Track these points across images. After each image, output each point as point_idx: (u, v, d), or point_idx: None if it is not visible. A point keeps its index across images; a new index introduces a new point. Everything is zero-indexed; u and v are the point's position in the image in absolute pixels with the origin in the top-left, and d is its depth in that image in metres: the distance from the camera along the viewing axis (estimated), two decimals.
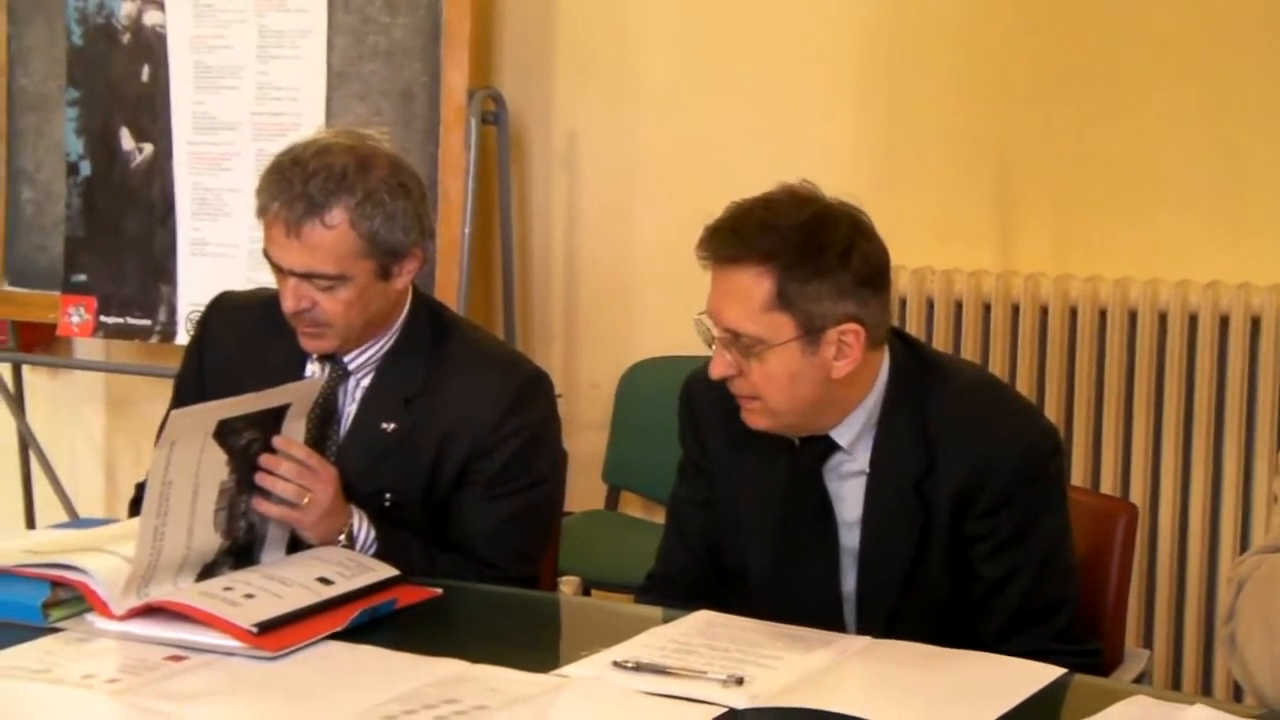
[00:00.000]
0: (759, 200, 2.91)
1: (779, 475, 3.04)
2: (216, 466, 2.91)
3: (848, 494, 3.01)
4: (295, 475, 3.02)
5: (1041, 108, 4.84)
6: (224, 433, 2.91)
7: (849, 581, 3.02)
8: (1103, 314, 4.68)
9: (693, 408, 3.19)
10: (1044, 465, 2.99)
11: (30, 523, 5.88)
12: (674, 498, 3.26)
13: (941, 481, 2.94)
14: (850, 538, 3.01)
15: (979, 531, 2.95)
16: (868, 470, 2.99)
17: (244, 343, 3.38)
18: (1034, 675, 2.58)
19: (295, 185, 3.13)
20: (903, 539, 2.97)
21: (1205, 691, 4.56)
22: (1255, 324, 4.54)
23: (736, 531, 3.10)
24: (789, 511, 3.03)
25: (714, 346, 2.89)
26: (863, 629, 2.94)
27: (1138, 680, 3.15)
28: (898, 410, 2.98)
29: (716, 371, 2.87)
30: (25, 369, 6.02)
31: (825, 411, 2.94)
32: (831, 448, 2.99)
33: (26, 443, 5.97)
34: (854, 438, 2.98)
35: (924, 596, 2.97)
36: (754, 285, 2.83)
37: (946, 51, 4.93)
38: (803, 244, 2.84)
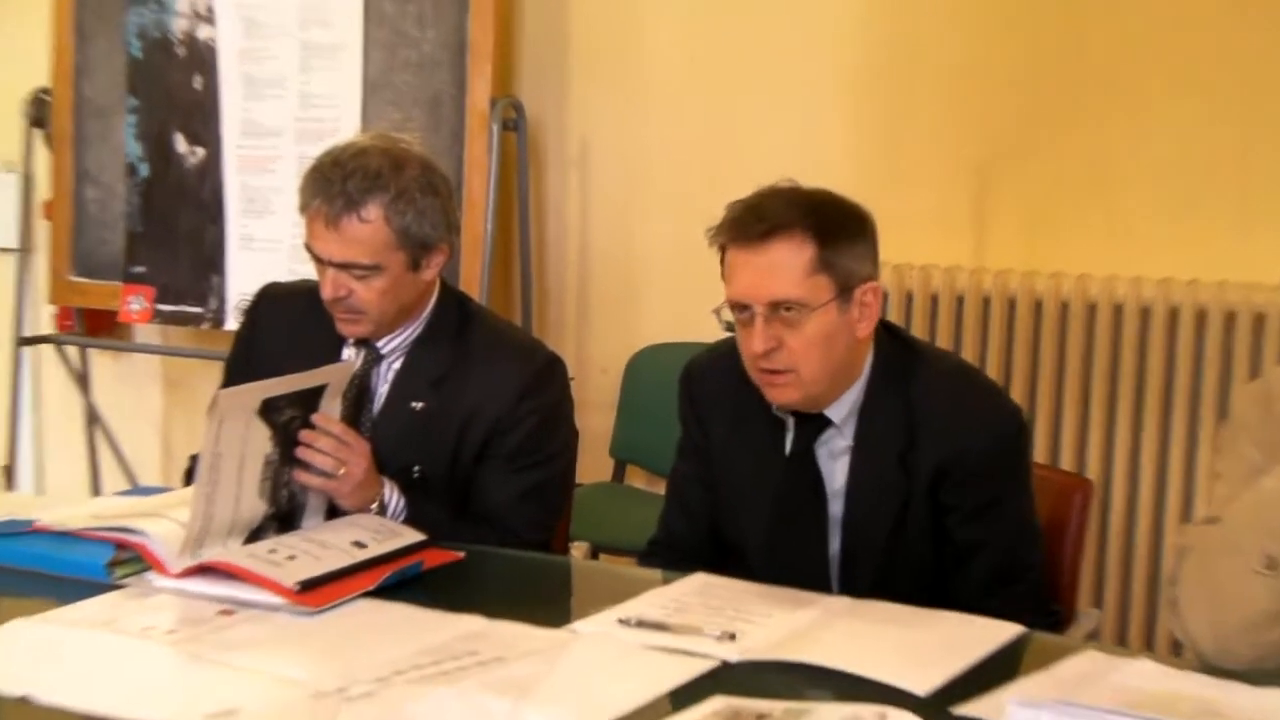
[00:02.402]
0: (765, 190, 2.94)
1: (776, 452, 3.05)
2: (261, 440, 2.92)
3: (834, 469, 3.03)
4: (332, 449, 3.04)
5: (1015, 119, 4.84)
6: (267, 410, 2.92)
7: (835, 546, 3.03)
8: (1064, 307, 4.69)
9: (693, 391, 3.21)
10: (1011, 443, 3.02)
11: (96, 490, 5.89)
12: (674, 471, 3.28)
13: (921, 457, 2.96)
14: (836, 507, 3.03)
15: (953, 502, 2.97)
16: (853, 444, 3.01)
17: (287, 328, 3.39)
18: (998, 632, 2.59)
19: (334, 184, 3.14)
20: (885, 508, 2.98)
21: (1149, 647, 4.56)
22: (1202, 317, 4.54)
23: (734, 503, 3.12)
24: (785, 483, 3.04)
25: (755, 323, 2.86)
26: (847, 591, 2.95)
27: (1089, 637, 3.17)
28: (883, 392, 3.00)
29: (760, 346, 2.85)
30: (91, 352, 6.03)
31: (838, 381, 2.96)
32: (824, 425, 3.01)
33: (92, 418, 5.99)
34: (845, 415, 3.00)
35: (903, 561, 2.99)
36: (796, 253, 2.85)
37: (931, 70, 4.94)
38: (831, 212, 2.90)
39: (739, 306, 2.91)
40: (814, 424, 3.02)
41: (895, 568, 2.98)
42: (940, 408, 2.98)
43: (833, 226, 2.88)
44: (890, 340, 3.06)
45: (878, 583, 2.92)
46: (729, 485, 3.14)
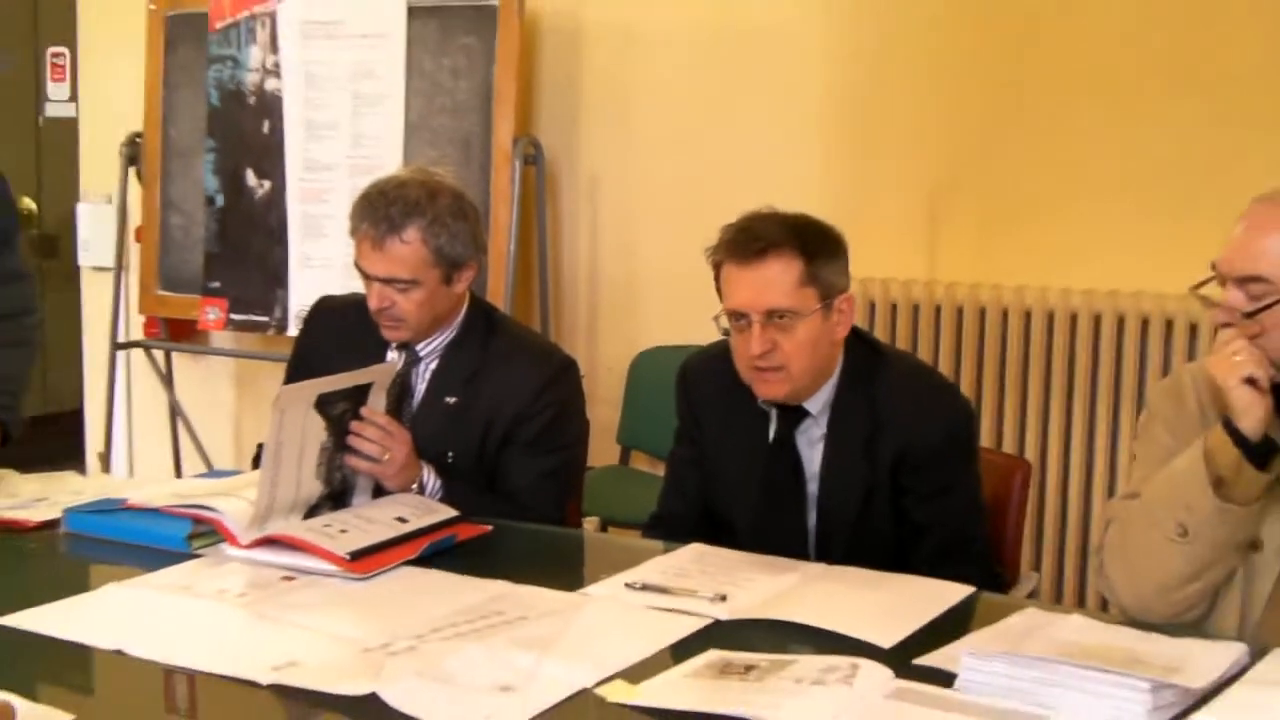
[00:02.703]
0: (753, 215, 2.95)
1: (761, 439, 3.04)
2: (317, 430, 2.92)
3: (813, 454, 3.02)
4: (378, 438, 3.03)
5: (963, 151, 4.83)
6: (322, 404, 2.92)
7: (811, 522, 3.03)
8: (1005, 314, 4.68)
9: (688, 387, 3.20)
10: (961, 435, 3.03)
11: (178, 473, 5.87)
12: (672, 456, 3.27)
13: (883, 446, 2.95)
14: (813, 488, 3.02)
15: (910, 485, 2.97)
16: (826, 432, 3.00)
17: (339, 335, 3.38)
18: (952, 592, 2.59)
19: (380, 211, 3.15)
20: (854, 490, 2.98)
21: (1080, 604, 4.54)
22: (1121, 322, 4.54)
23: (724, 484, 3.11)
24: (769, 467, 3.03)
25: (751, 330, 2.86)
26: (822, 561, 2.93)
27: (1030, 596, 3.15)
28: (852, 389, 2.99)
29: (758, 349, 2.85)
30: (174, 355, 6.03)
31: (818, 377, 2.96)
32: (802, 416, 3.00)
33: (175, 412, 5.99)
34: (820, 407, 2.99)
35: (870, 535, 2.98)
36: (787, 268, 2.85)
37: (890, 108, 4.92)
38: (814, 233, 2.91)
39: (737, 315, 2.90)
40: (794, 415, 3.01)
41: (863, 541, 2.97)
42: (900, 403, 2.98)
43: (816, 245, 2.89)
44: (858, 343, 3.05)
45: (848, 554, 2.91)
46: (719, 468, 3.12)
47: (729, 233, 2.93)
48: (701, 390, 3.17)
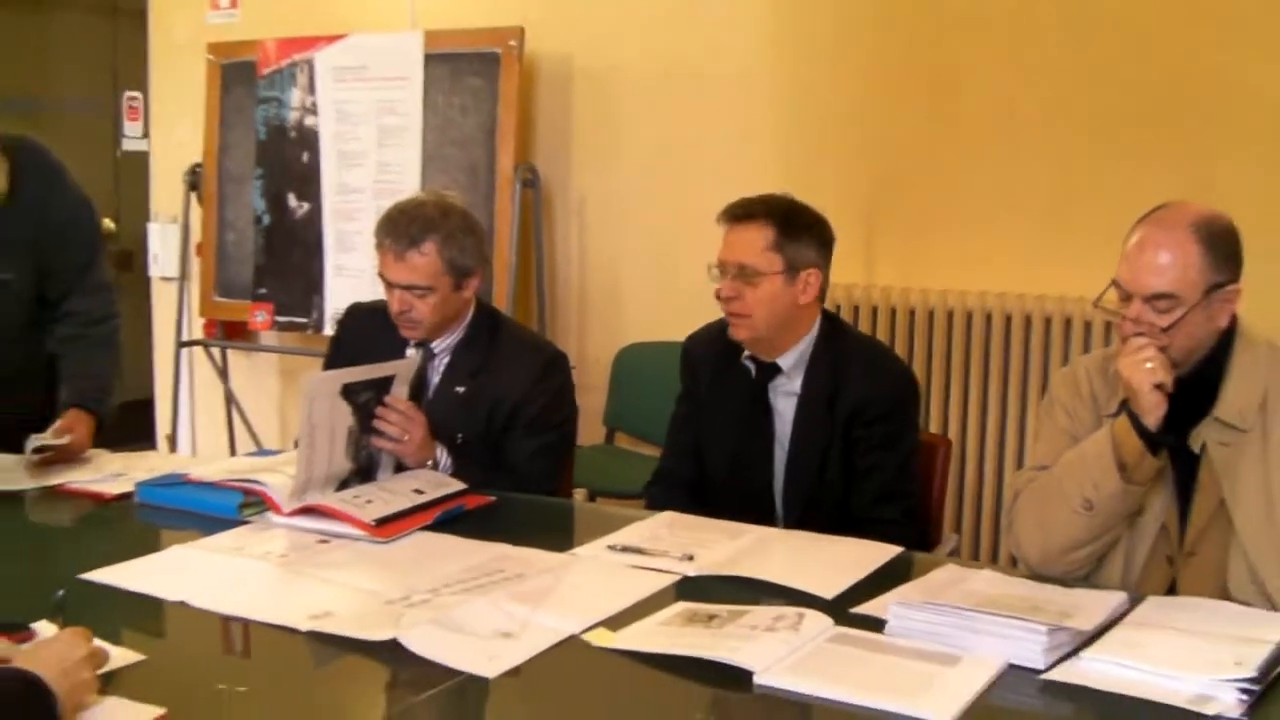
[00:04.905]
0: (764, 195, 3.08)
1: (742, 396, 3.09)
2: (344, 416, 2.91)
3: (783, 408, 3.06)
4: (399, 422, 3.02)
5: (895, 174, 4.83)
6: (348, 393, 2.91)
7: (780, 468, 3.06)
8: (931, 314, 4.67)
9: (690, 357, 3.28)
10: (907, 398, 3.09)
11: (232, 452, 5.87)
12: (673, 417, 3.30)
13: (842, 402, 3.01)
14: (784, 437, 3.06)
15: (861, 435, 3.01)
16: (799, 391, 3.05)
17: (366, 334, 3.36)
18: (882, 551, 2.59)
19: (400, 228, 3.15)
20: (817, 443, 3.02)
21: (994, 561, 4.55)
22: (1028, 320, 4.54)
23: (711, 431, 3.15)
24: (746, 417, 3.08)
25: (725, 279, 3.00)
26: (788, 509, 3.00)
27: (950, 554, 3.15)
28: (821, 353, 3.05)
29: (724, 293, 3.00)
30: (229, 352, 6.02)
31: (784, 334, 3.04)
32: (776, 371, 3.06)
33: (229, 400, 5.98)
34: (792, 365, 3.05)
35: (827, 486, 3.01)
36: (760, 234, 2.99)
37: (832, 140, 4.92)
38: (787, 212, 3.03)
39: (720, 265, 3.02)
40: (769, 370, 3.07)
41: (822, 491, 3.01)
42: (857, 369, 3.04)
43: (789, 224, 3.01)
44: (828, 323, 3.11)
45: (806, 495, 2.99)
46: (709, 418, 3.18)
47: (730, 204, 3.06)
48: (699, 356, 3.24)
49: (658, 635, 2.11)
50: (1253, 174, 4.25)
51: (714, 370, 3.17)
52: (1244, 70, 4.27)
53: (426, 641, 2.05)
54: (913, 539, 2.82)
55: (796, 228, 3.02)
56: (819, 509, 2.95)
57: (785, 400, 3.08)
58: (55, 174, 3.43)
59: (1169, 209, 2.50)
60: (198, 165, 5.79)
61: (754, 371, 3.10)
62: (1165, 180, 4.25)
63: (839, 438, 3.01)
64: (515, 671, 1.99)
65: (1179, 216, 2.47)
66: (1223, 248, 2.45)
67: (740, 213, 3.02)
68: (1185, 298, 2.43)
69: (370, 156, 5.33)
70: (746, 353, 3.11)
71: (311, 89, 5.44)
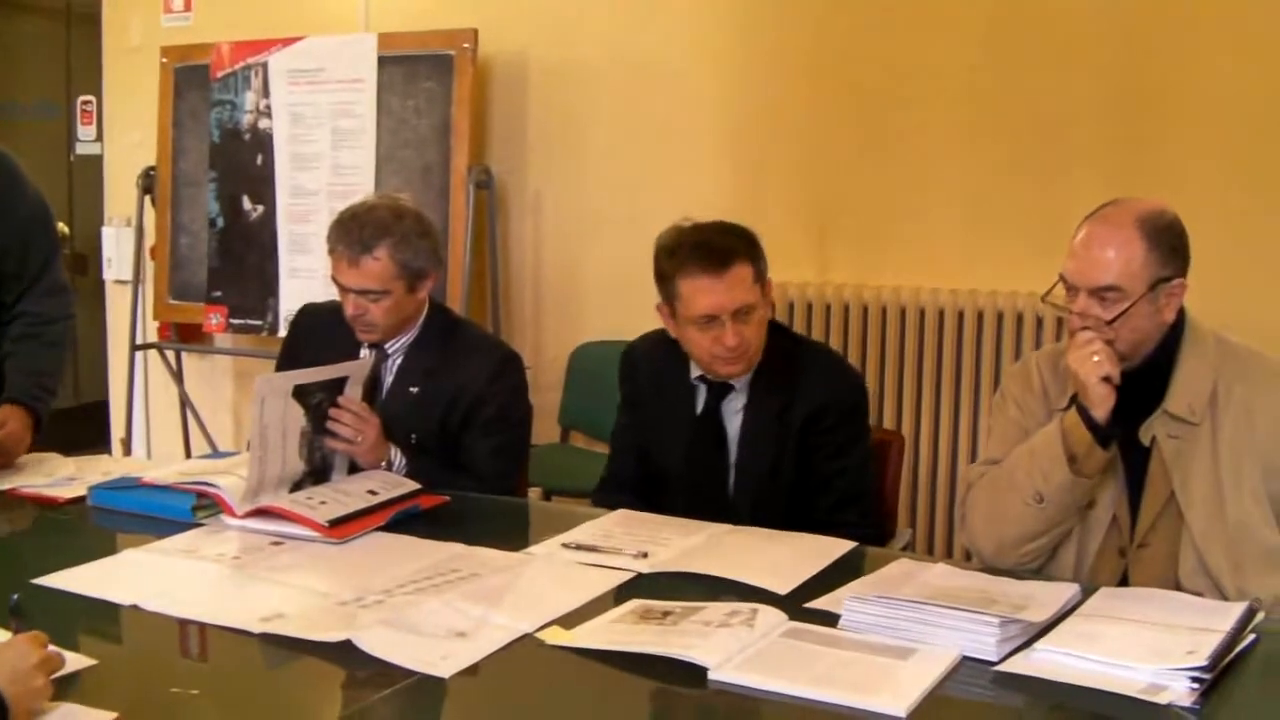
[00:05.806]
0: (699, 226, 2.96)
1: (690, 411, 3.04)
2: (297, 417, 2.89)
3: (735, 421, 3.02)
4: (353, 423, 3.00)
5: (845, 174, 4.84)
6: (300, 394, 2.89)
7: (730, 476, 3.02)
8: (883, 310, 4.68)
9: (631, 365, 3.22)
10: (859, 404, 3.06)
11: (187, 454, 5.83)
12: (616, 425, 3.26)
13: (796, 412, 2.96)
14: (734, 441, 3.02)
15: (818, 442, 2.97)
16: (746, 398, 3.01)
17: (319, 335, 3.35)
18: (837, 546, 2.59)
19: (353, 233, 3.13)
20: (766, 452, 2.98)
21: (948, 555, 4.56)
22: (980, 316, 4.56)
23: (660, 447, 3.10)
24: (697, 432, 3.03)
25: (725, 327, 2.87)
26: (739, 509, 2.95)
27: (904, 548, 3.16)
28: (770, 366, 3.00)
29: (733, 341, 2.88)
30: (183, 354, 5.97)
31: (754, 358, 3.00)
32: (728, 389, 3.01)
33: (184, 402, 5.93)
34: (743, 382, 3.00)
35: (778, 488, 2.98)
36: (747, 272, 2.89)
37: (782, 134, 4.93)
38: (750, 239, 2.96)
39: (708, 318, 2.89)
40: (721, 388, 3.02)
41: (770, 494, 2.97)
42: (810, 379, 3.00)
43: (755, 248, 2.94)
44: (777, 332, 3.06)
45: (756, 504, 2.95)
46: (656, 434, 3.11)
47: (687, 247, 2.92)
48: (641, 368, 3.18)
49: (612, 633, 2.10)
50: (1202, 170, 4.28)
51: (658, 379, 3.12)
52: (1191, 68, 4.30)
53: (380, 642, 2.03)
54: (872, 541, 2.80)
55: (757, 249, 2.96)
56: (773, 511, 2.93)
57: (734, 414, 3.03)
58: (13, 176, 3.40)
59: (1115, 205, 2.51)
60: (152, 168, 5.74)
61: (704, 392, 3.04)
62: (1115, 176, 4.29)
63: (792, 445, 2.98)
64: (470, 671, 1.97)
65: (1124, 213, 2.48)
66: (1168, 242, 2.46)
67: (722, 258, 2.87)
68: (1130, 290, 2.44)
69: (325, 159, 5.30)
70: (696, 373, 3.04)
71: (266, 92, 5.40)
